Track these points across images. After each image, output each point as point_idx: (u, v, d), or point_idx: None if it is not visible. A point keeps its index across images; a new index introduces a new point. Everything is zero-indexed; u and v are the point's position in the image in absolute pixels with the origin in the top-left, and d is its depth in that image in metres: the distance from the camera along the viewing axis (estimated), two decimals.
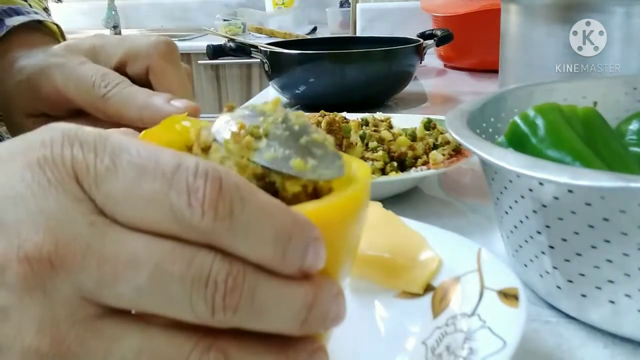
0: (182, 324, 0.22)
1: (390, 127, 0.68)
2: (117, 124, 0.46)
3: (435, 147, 0.63)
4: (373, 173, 0.58)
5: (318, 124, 0.63)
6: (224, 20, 2.73)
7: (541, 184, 0.36)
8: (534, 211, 0.37)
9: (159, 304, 0.21)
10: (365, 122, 0.68)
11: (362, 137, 0.62)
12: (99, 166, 0.22)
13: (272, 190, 0.25)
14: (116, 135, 0.23)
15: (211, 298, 0.21)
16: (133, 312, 0.23)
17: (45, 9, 0.66)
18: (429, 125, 0.68)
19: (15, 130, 0.54)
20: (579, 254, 0.35)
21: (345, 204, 0.25)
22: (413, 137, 0.64)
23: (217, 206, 0.21)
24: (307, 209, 0.24)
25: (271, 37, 2.36)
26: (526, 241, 0.39)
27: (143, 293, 0.21)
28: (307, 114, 0.74)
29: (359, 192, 0.26)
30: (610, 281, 0.35)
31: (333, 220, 0.25)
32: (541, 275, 0.39)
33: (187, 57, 2.68)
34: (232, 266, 0.21)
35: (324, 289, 0.23)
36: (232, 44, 1.07)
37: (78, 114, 0.50)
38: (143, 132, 0.29)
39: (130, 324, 0.22)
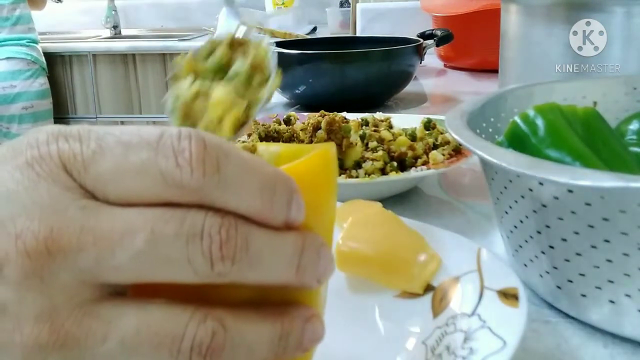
0: (178, 299, 0.23)
1: (390, 127, 0.68)
2: None
3: (435, 147, 0.63)
4: (373, 173, 0.58)
5: (318, 124, 0.63)
6: None
7: (541, 184, 0.36)
8: (534, 211, 0.37)
9: (159, 267, 0.22)
10: (365, 122, 0.68)
11: (362, 137, 0.62)
12: (85, 151, 0.22)
13: None
14: (99, 126, 0.24)
15: (208, 250, 0.22)
16: (128, 293, 0.23)
17: None
18: (429, 125, 0.68)
19: None
20: (579, 254, 0.35)
21: (309, 163, 0.26)
22: (413, 137, 0.64)
23: (205, 162, 0.22)
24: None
25: (271, 37, 2.36)
26: (526, 241, 0.39)
27: (141, 259, 0.22)
28: (306, 114, 0.74)
29: (319, 154, 0.27)
30: (610, 281, 0.35)
31: (303, 175, 0.25)
32: (541, 275, 0.39)
33: None
34: (224, 219, 0.22)
35: (309, 238, 0.24)
36: None
37: None
38: None
39: (126, 305, 0.22)
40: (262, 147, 0.30)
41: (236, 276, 0.22)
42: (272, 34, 2.40)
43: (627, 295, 0.34)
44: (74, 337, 0.22)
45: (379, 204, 0.44)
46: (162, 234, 0.22)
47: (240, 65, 0.29)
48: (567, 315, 0.39)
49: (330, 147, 0.28)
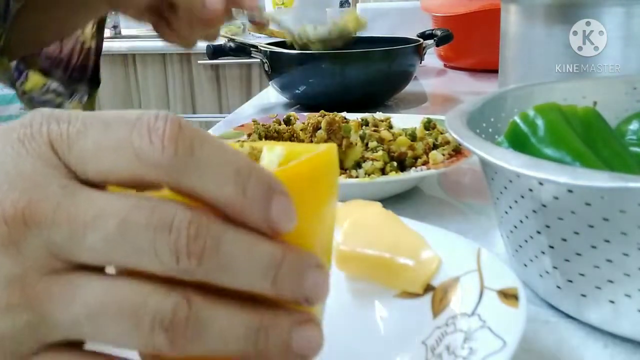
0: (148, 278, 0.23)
1: (390, 127, 0.68)
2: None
3: (435, 147, 0.63)
4: (373, 173, 0.58)
5: (318, 124, 0.63)
6: None
7: (541, 184, 0.36)
8: (534, 211, 0.37)
9: (126, 253, 0.22)
10: (365, 122, 0.68)
11: (362, 137, 0.62)
12: (71, 130, 0.23)
13: None
14: (89, 112, 0.25)
15: (174, 244, 0.22)
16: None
17: None
18: (429, 125, 0.68)
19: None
20: (579, 254, 0.35)
21: (305, 165, 0.25)
22: (413, 137, 0.64)
23: (177, 141, 0.22)
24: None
25: (271, 37, 2.36)
26: (526, 241, 0.39)
27: (110, 243, 0.22)
28: (306, 114, 0.74)
29: (318, 156, 0.26)
30: (610, 281, 0.35)
31: (297, 178, 0.25)
32: (541, 275, 0.39)
33: (187, 57, 2.68)
34: (195, 214, 0.22)
35: (296, 253, 0.24)
36: (232, 44, 1.07)
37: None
38: None
39: (95, 275, 0.23)
40: (266, 147, 0.30)
41: (204, 275, 0.22)
42: (272, 34, 2.40)
43: (627, 295, 0.34)
44: (41, 300, 0.22)
45: (379, 204, 0.44)
46: (133, 221, 0.22)
47: None
48: (567, 315, 0.39)
49: (331, 150, 0.27)
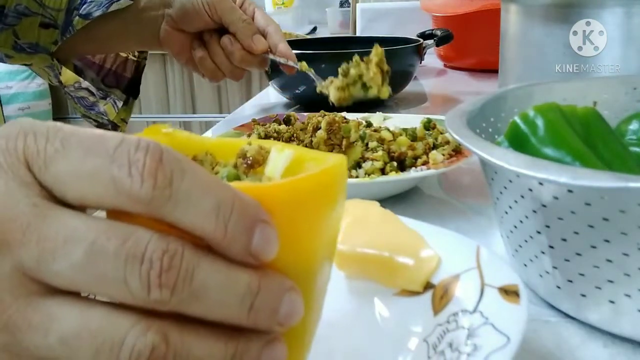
0: (125, 307, 0.22)
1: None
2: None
3: (435, 147, 0.63)
4: (373, 173, 0.58)
5: (318, 124, 0.63)
6: None
7: (541, 184, 0.36)
8: (534, 211, 0.37)
9: (95, 281, 0.22)
10: (369, 124, 0.68)
11: (362, 137, 0.62)
12: (48, 149, 0.23)
13: None
14: (70, 125, 0.24)
15: (146, 275, 0.21)
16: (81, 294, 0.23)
17: None
18: (429, 125, 0.68)
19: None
20: (579, 254, 0.35)
21: (313, 180, 0.25)
22: (413, 137, 0.64)
23: (157, 175, 0.22)
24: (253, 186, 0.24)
25: None
26: (526, 241, 0.39)
27: (79, 270, 0.22)
28: (306, 114, 0.74)
29: (326, 171, 0.25)
30: (610, 281, 0.35)
31: (283, 198, 0.24)
32: (541, 275, 0.39)
33: None
34: (170, 245, 0.22)
35: (272, 279, 0.23)
36: None
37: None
38: None
39: (71, 303, 0.22)
40: (275, 148, 0.29)
41: (177, 306, 0.22)
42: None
43: (627, 295, 0.34)
44: (18, 326, 0.22)
45: (377, 204, 0.44)
46: (102, 249, 0.21)
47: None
48: (567, 315, 0.39)
49: (341, 164, 0.26)
